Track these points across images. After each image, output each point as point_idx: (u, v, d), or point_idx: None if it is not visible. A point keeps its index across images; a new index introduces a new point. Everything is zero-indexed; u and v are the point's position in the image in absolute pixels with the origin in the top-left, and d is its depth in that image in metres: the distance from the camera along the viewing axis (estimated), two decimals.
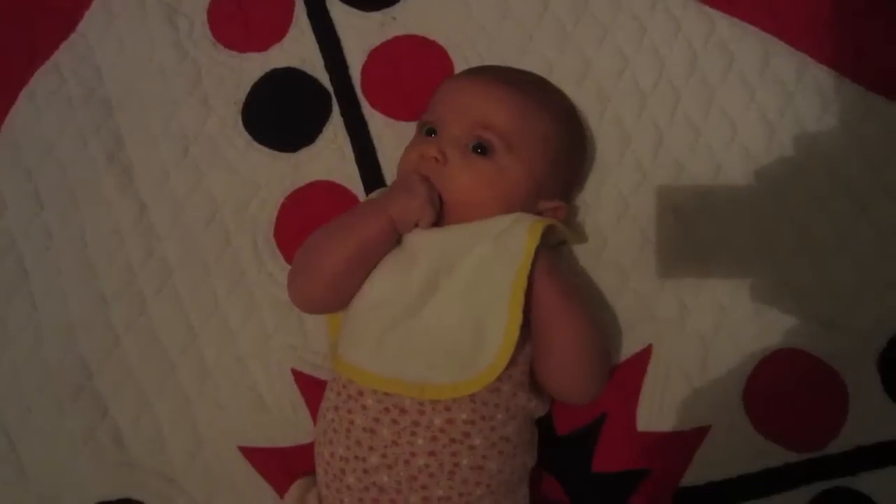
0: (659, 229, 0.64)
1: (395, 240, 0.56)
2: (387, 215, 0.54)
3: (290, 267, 0.61)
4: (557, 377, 0.54)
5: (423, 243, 0.55)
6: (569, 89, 0.67)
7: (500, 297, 0.52)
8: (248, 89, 0.69)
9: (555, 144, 0.59)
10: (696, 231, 0.64)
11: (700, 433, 0.60)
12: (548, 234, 0.55)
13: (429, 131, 0.58)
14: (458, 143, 0.56)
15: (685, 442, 0.60)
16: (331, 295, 0.56)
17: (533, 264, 0.52)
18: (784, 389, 0.61)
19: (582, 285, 0.62)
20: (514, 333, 0.51)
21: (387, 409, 0.51)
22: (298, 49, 0.70)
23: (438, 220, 0.56)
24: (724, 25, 0.69)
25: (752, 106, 0.67)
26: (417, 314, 0.52)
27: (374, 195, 0.62)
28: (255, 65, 0.70)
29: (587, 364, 0.54)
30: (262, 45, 0.70)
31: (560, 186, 0.61)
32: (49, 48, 0.70)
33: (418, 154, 0.57)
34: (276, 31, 0.70)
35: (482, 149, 0.56)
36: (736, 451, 0.60)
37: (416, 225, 0.55)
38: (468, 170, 0.55)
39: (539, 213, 0.58)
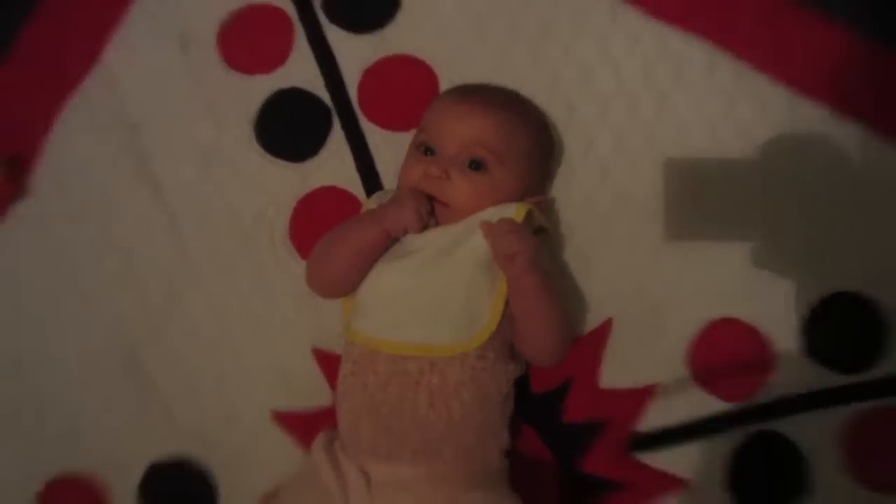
0: (619, 221, 0.70)
1: (390, 243, 0.64)
2: (380, 226, 0.63)
3: (305, 262, 0.70)
4: (532, 346, 0.63)
5: (424, 239, 0.63)
6: (540, 100, 0.72)
7: (490, 275, 0.61)
8: (257, 108, 0.74)
9: (535, 152, 0.67)
10: (652, 221, 0.70)
11: (651, 389, 0.68)
12: (528, 218, 0.62)
13: (426, 150, 0.65)
14: (455, 161, 0.64)
15: (638, 396, 0.68)
16: (340, 286, 0.66)
17: None
18: (719, 349, 0.68)
19: (552, 271, 0.67)
20: (501, 305, 0.61)
21: (394, 373, 0.61)
22: (301, 71, 0.74)
23: (437, 222, 0.63)
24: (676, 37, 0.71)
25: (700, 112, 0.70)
26: (420, 291, 0.61)
27: (372, 200, 0.69)
28: (263, 86, 0.74)
29: (554, 338, 0.63)
30: (269, 67, 0.75)
31: (538, 183, 0.69)
32: (76, 80, 0.75)
33: (423, 173, 0.64)
34: (279, 55, 0.75)
35: (477, 164, 0.64)
36: (681, 402, 0.67)
37: (406, 232, 0.63)
38: (468, 184, 0.63)
39: None
